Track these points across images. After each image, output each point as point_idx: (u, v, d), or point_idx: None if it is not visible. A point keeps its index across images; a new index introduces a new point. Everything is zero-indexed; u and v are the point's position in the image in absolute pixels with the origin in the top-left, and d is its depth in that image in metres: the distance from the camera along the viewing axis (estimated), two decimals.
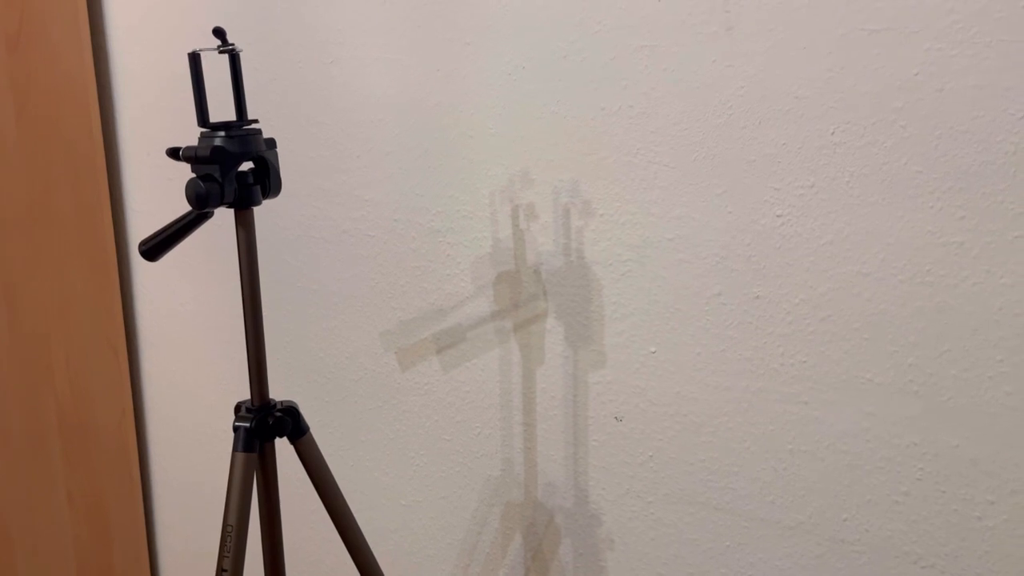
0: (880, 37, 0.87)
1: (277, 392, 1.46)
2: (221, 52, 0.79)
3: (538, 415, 1.18)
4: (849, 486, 0.98)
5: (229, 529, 0.83)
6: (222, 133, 0.80)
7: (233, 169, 0.81)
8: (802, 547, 1.02)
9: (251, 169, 0.85)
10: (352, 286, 1.32)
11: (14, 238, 1.46)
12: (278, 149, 1.35)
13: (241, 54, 0.82)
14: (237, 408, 0.90)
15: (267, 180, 0.85)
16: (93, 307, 1.57)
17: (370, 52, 1.22)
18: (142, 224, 1.59)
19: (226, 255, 1.47)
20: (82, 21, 1.49)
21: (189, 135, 1.45)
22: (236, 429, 0.86)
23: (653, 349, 1.08)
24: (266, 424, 0.89)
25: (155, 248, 0.90)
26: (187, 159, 0.80)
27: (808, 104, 0.92)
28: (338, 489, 0.92)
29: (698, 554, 1.10)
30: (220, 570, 0.82)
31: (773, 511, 1.03)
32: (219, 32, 0.78)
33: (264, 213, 1.39)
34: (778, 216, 0.96)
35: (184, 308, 1.56)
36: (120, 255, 1.62)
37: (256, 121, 0.83)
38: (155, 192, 1.55)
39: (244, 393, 1.49)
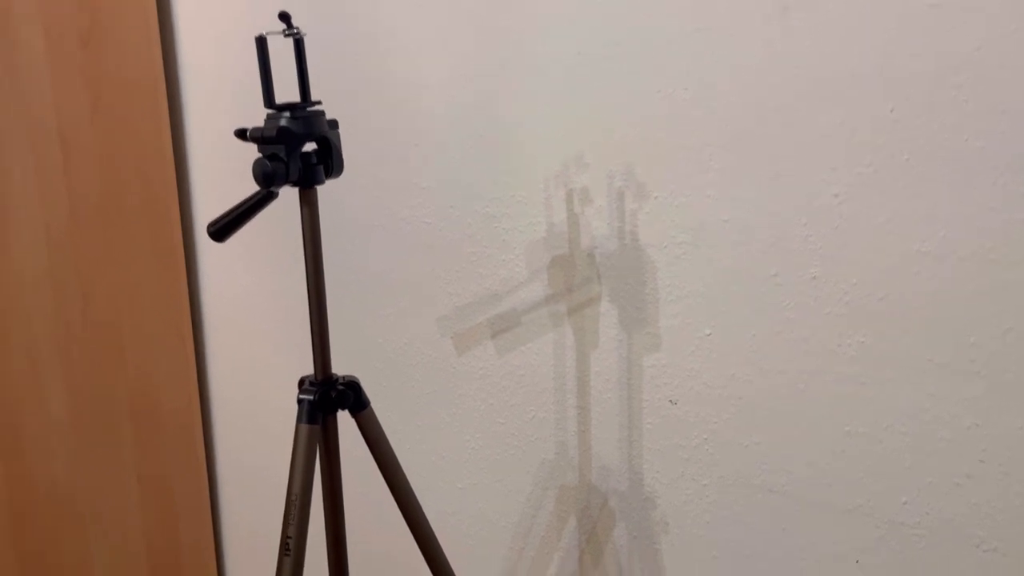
0: (939, 11, 0.87)
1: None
2: (287, 36, 0.81)
3: (592, 398, 1.19)
4: (909, 468, 0.97)
5: (294, 499, 0.85)
6: (287, 114, 0.83)
7: (298, 149, 0.84)
8: (860, 530, 1.01)
9: (315, 150, 0.88)
10: (410, 273, 1.35)
11: (87, 229, 1.52)
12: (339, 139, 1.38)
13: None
14: (301, 382, 0.93)
15: (330, 159, 0.87)
16: (161, 295, 1.63)
17: (424, 39, 1.24)
18: (207, 214, 1.65)
19: (287, 243, 1.51)
20: (151, 16, 1.55)
21: (253, 123, 1.49)
22: (300, 402, 0.89)
23: (708, 331, 1.08)
24: (329, 397, 0.91)
25: (223, 229, 0.93)
26: (254, 139, 0.83)
27: (865, 82, 0.92)
28: (398, 463, 0.95)
29: (753, 537, 1.10)
30: (285, 537, 0.85)
31: (830, 494, 1.03)
32: (284, 16, 0.81)
33: (326, 201, 1.42)
34: (835, 196, 0.96)
35: (247, 294, 1.60)
36: (187, 244, 1.67)
37: (319, 102, 0.86)
38: (221, 182, 1.60)
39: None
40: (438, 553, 1.01)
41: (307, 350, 1.52)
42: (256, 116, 1.47)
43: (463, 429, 1.35)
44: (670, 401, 1.13)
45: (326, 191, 1.42)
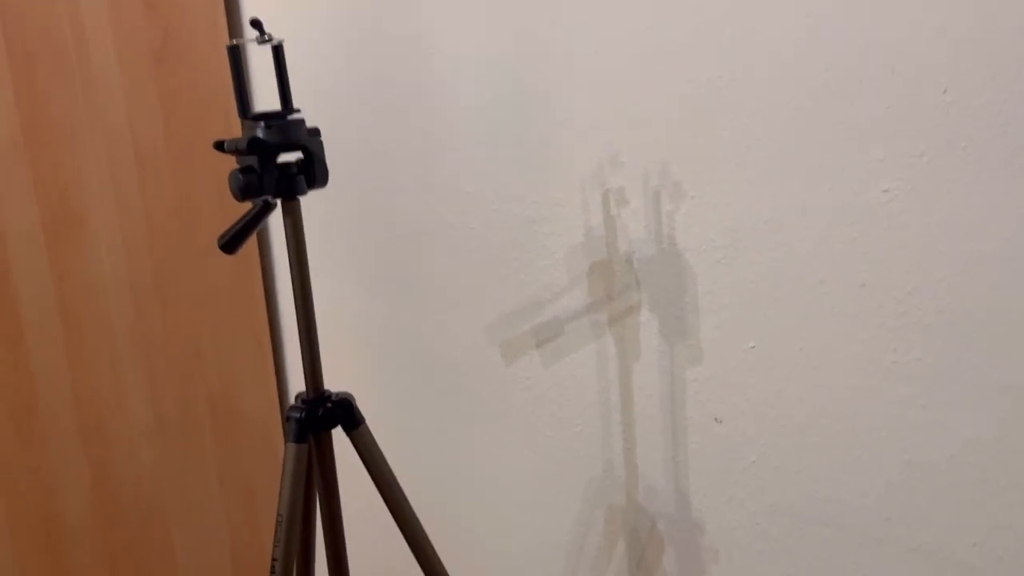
0: None
1: (391, 386, 1.48)
2: (261, 43, 0.79)
3: (636, 414, 1.11)
4: (979, 506, 0.83)
5: (280, 519, 0.83)
6: (262, 124, 0.80)
7: (273, 160, 0.81)
8: (924, 571, 0.89)
9: (297, 160, 0.85)
10: (458, 278, 1.31)
11: (165, 237, 1.57)
12: (385, 144, 1.36)
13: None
14: (295, 398, 0.91)
15: (312, 169, 0.84)
16: (238, 302, 1.66)
17: (463, 41, 1.19)
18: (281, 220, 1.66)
19: (362, 246, 1.50)
20: (222, 31, 1.58)
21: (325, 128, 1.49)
22: (287, 419, 0.87)
23: (752, 343, 0.98)
24: (316, 415, 0.88)
25: (231, 241, 0.92)
26: (230, 151, 0.81)
27: (916, 58, 0.79)
28: (396, 481, 0.91)
29: (807, 572, 0.98)
30: (272, 559, 0.83)
31: (890, 529, 0.90)
32: (256, 23, 0.78)
33: (378, 209, 1.40)
34: (884, 191, 0.84)
35: (323, 298, 1.61)
36: (262, 251, 1.70)
37: (299, 110, 0.83)
38: None
39: (380, 381, 1.52)
40: (440, 572, 0.96)
41: (384, 353, 1.52)
42: (323, 122, 1.47)
43: (512, 440, 1.29)
44: (715, 419, 1.03)
45: (379, 196, 1.40)
